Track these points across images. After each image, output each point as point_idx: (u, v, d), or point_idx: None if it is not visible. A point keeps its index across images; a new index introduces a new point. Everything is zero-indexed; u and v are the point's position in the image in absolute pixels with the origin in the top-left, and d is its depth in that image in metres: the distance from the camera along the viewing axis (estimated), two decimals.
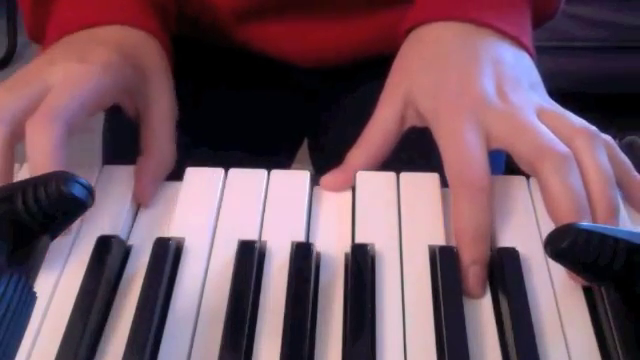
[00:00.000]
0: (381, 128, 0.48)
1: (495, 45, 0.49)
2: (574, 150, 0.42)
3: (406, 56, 0.51)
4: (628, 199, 0.45)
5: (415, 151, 0.52)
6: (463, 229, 0.42)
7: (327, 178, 0.47)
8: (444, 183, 0.45)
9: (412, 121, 0.48)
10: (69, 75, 0.45)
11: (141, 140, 0.48)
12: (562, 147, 0.42)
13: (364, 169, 0.47)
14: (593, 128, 0.44)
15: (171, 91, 0.51)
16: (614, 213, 0.42)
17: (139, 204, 0.46)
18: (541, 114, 0.45)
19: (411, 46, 0.51)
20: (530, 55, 0.50)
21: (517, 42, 0.50)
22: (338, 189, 0.46)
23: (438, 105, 0.46)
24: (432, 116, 0.46)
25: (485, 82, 0.46)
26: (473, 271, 0.40)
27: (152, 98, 0.49)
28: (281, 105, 0.73)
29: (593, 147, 0.43)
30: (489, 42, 0.49)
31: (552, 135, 0.43)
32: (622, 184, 0.45)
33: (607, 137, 0.45)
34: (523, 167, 0.44)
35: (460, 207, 0.42)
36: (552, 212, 0.42)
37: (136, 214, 0.45)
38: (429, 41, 0.50)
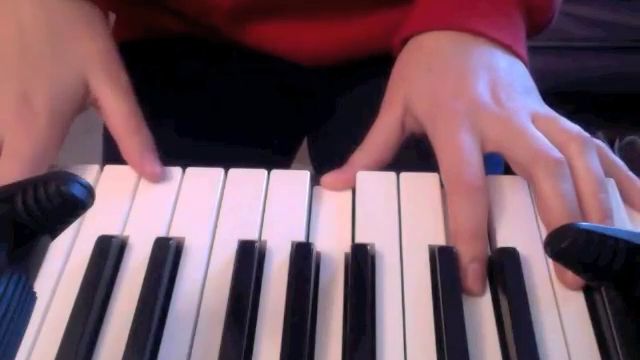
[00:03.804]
0: (383, 134, 0.49)
1: (490, 53, 0.50)
2: (567, 156, 0.43)
3: (405, 64, 0.52)
4: (624, 197, 0.46)
5: (415, 151, 0.52)
6: (461, 228, 0.42)
7: (328, 178, 0.47)
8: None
9: (411, 127, 0.49)
10: (15, 146, 0.45)
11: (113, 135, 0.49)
12: (555, 153, 0.43)
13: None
14: (585, 134, 0.45)
15: (115, 74, 0.50)
16: (607, 215, 0.42)
17: (139, 204, 0.46)
18: (535, 119, 0.46)
19: (409, 54, 0.52)
20: (524, 63, 0.51)
21: (511, 50, 0.51)
22: (339, 189, 0.46)
23: (434, 109, 0.47)
24: (428, 120, 0.47)
25: (480, 87, 0.47)
26: (472, 269, 0.40)
27: (102, 94, 0.49)
28: (280, 104, 0.73)
29: (585, 152, 0.44)
30: (484, 50, 0.50)
31: (546, 140, 0.44)
32: (618, 184, 0.46)
33: (598, 141, 0.46)
34: (517, 171, 0.45)
35: (457, 207, 0.43)
36: (544, 216, 0.43)
37: (136, 214, 0.45)
38: (426, 49, 0.51)
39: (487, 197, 0.43)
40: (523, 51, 0.52)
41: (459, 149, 0.44)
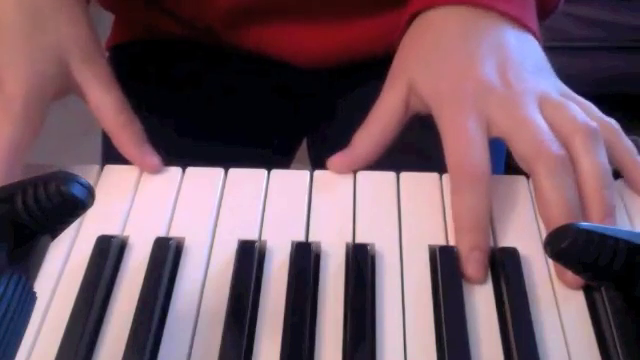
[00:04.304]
0: (385, 112, 0.48)
1: (499, 29, 0.49)
2: (571, 149, 0.42)
3: (410, 46, 0.50)
4: (629, 182, 0.45)
5: (415, 157, 0.52)
6: (463, 216, 0.42)
7: (334, 160, 0.47)
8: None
9: (416, 107, 0.48)
10: None
11: (102, 125, 0.48)
12: (557, 148, 0.42)
13: (369, 153, 0.47)
14: (593, 124, 0.44)
15: (97, 63, 0.48)
16: (609, 212, 0.42)
17: (139, 204, 0.46)
18: (543, 103, 0.45)
19: (415, 31, 0.51)
20: (536, 38, 0.50)
21: (522, 25, 0.49)
22: (344, 171, 0.46)
23: (440, 91, 0.46)
24: (434, 103, 0.46)
25: (487, 68, 0.46)
26: (474, 257, 0.40)
27: (84, 84, 0.47)
28: (279, 106, 0.73)
29: (591, 147, 0.43)
30: (493, 26, 0.49)
31: (549, 133, 0.43)
32: (623, 168, 0.45)
33: (610, 121, 0.45)
34: (519, 162, 0.44)
35: (460, 194, 0.42)
36: (543, 213, 0.42)
37: (136, 214, 0.45)
38: (433, 27, 0.50)
39: (490, 185, 0.42)
40: (534, 25, 0.50)
41: (464, 135, 0.43)
